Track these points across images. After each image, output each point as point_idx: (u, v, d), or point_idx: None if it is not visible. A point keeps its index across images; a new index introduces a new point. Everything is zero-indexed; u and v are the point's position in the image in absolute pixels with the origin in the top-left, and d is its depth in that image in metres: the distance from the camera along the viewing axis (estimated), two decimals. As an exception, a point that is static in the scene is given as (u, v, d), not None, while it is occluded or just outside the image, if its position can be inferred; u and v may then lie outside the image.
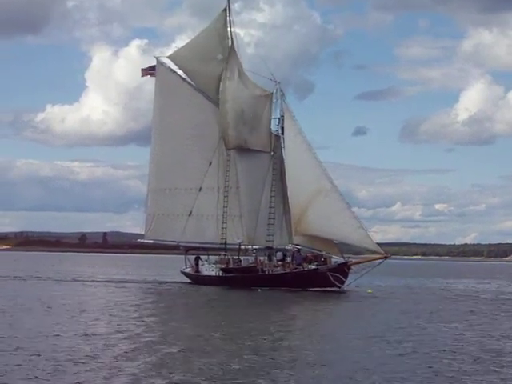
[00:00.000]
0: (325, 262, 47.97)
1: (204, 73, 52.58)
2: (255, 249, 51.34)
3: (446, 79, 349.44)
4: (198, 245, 53.34)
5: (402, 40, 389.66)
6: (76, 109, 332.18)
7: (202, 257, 53.11)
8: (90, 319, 27.96)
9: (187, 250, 54.22)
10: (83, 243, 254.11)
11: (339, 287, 46.92)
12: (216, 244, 52.03)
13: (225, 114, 51.57)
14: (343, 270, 47.09)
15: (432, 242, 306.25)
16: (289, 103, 51.84)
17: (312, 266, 47.80)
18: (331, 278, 46.63)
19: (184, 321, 28.11)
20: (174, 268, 66.43)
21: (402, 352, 20.79)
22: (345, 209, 48.69)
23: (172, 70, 54.01)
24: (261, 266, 49.37)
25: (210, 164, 52.66)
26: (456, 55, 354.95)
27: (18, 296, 39.41)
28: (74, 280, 57.39)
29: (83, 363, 18.01)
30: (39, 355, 19.03)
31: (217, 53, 52.53)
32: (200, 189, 52.80)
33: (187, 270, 53.77)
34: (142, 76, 55.43)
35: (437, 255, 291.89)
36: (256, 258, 50.55)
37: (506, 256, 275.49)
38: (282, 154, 51.27)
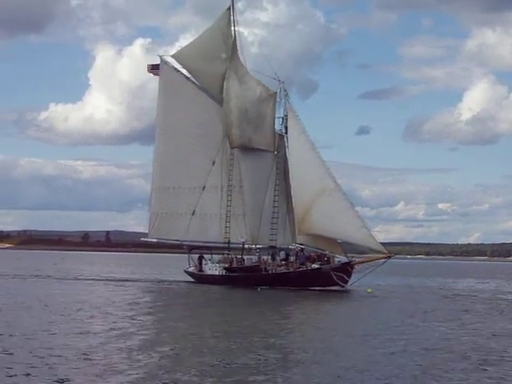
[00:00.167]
0: (328, 262, 47.96)
1: (208, 72, 52.58)
2: (258, 248, 51.38)
3: (450, 78, 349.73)
4: (201, 244, 53.32)
5: (405, 39, 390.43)
6: (79, 108, 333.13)
7: (205, 256, 53.12)
8: (86, 317, 28.02)
9: (191, 248, 54.25)
10: (86, 242, 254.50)
11: (343, 286, 46.92)
12: (219, 243, 52.02)
13: (229, 112, 51.56)
14: (347, 269, 47.08)
15: (435, 242, 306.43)
16: (292, 102, 51.97)
17: (315, 266, 47.80)
18: (334, 278, 46.61)
19: (181, 320, 28.11)
20: (177, 267, 66.44)
21: (394, 350, 20.93)
22: (348, 208, 48.67)
23: (176, 68, 54.02)
24: (264, 266, 49.36)
25: (214, 163, 52.67)
26: (459, 55, 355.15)
27: (17, 294, 39.47)
28: (75, 278, 57.43)
29: (76, 361, 18.05)
30: (33, 353, 19.10)
31: (220, 52, 52.53)
32: (203, 188, 52.81)
33: (191, 269, 53.78)
34: (148, 71, 55.43)
35: (440, 255, 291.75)
36: (259, 257, 50.57)
37: (510, 256, 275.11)
38: (285, 153, 51.27)
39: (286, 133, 50.87)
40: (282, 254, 50.10)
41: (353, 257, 49.45)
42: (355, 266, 47.45)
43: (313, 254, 48.81)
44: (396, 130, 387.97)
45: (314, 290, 45.83)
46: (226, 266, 50.85)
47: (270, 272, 48.89)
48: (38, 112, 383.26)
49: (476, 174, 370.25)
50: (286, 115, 50.99)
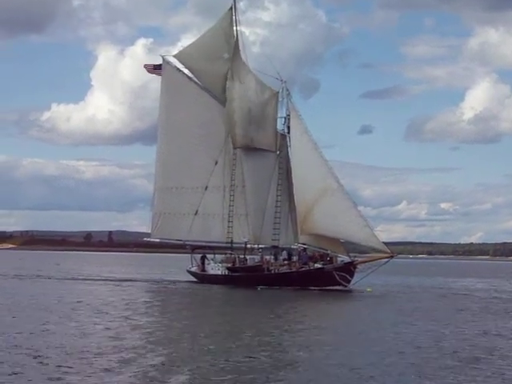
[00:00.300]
0: (331, 261, 47.96)
1: (210, 72, 52.63)
2: (261, 248, 51.39)
3: (452, 78, 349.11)
4: (204, 244, 53.37)
5: (407, 39, 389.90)
6: (81, 108, 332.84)
7: (208, 256, 53.17)
8: (85, 317, 28.08)
9: (193, 248, 54.28)
10: (89, 242, 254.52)
11: (345, 286, 46.94)
12: (222, 243, 52.08)
13: (231, 113, 51.59)
14: (349, 268, 47.11)
15: (437, 241, 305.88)
16: (295, 102, 51.99)
17: (318, 265, 47.82)
18: (337, 277, 46.65)
19: (182, 319, 28.15)
20: (179, 267, 66.48)
21: (388, 349, 21.15)
22: (351, 208, 48.67)
23: (178, 68, 54.07)
24: (267, 265, 49.38)
25: (216, 163, 52.70)
26: (462, 54, 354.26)
27: (15, 294, 39.53)
28: (76, 279, 57.44)
29: (75, 361, 18.09)
30: (27, 352, 19.17)
31: (223, 52, 52.57)
32: (206, 188, 52.86)
33: (193, 269, 53.81)
34: (148, 71, 55.56)
35: (442, 254, 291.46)
36: (262, 257, 50.58)
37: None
38: (287, 152, 51.29)
39: (289, 132, 50.90)
40: (284, 254, 50.14)
41: (355, 256, 49.49)
42: (358, 266, 47.48)
43: (315, 254, 48.83)
44: (398, 130, 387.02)
45: (315, 289, 45.80)
46: (229, 265, 50.89)
47: (272, 272, 48.91)
48: (40, 112, 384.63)
49: (478, 174, 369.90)
50: (289, 115, 51.02)
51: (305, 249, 48.88)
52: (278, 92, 51.79)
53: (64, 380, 16.02)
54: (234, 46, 52.42)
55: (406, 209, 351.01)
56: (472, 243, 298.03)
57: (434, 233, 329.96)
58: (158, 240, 56.20)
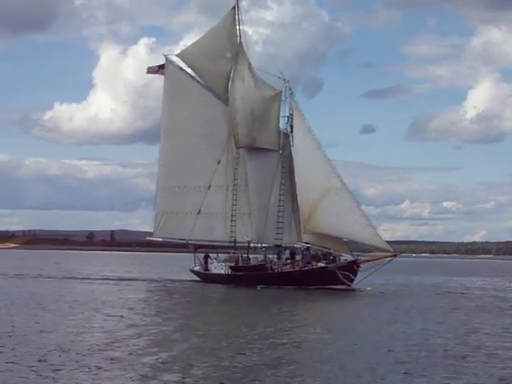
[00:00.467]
0: (334, 260, 47.94)
1: (213, 71, 52.58)
2: (264, 247, 51.37)
3: (454, 77, 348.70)
4: (207, 243, 53.33)
5: (410, 38, 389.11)
6: (84, 107, 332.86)
7: (211, 255, 53.14)
8: (78, 316, 28.10)
9: (196, 248, 54.28)
10: (91, 241, 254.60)
11: (348, 285, 46.89)
12: (225, 242, 52.05)
13: (234, 112, 51.52)
14: (352, 268, 47.06)
15: (440, 240, 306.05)
16: (298, 101, 51.90)
17: (321, 264, 47.78)
18: (340, 276, 46.59)
19: (182, 319, 28.15)
20: (181, 266, 66.45)
21: (372, 347, 21.39)
22: (354, 207, 48.64)
23: (181, 68, 54.05)
24: (270, 264, 49.35)
25: (219, 162, 52.66)
26: (464, 53, 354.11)
27: (13, 293, 39.55)
28: (76, 278, 57.42)
29: (74, 360, 18.08)
30: (22, 351, 19.25)
31: (226, 51, 52.53)
32: (209, 187, 52.82)
33: (196, 268, 53.79)
34: (148, 73, 55.59)
35: (445, 253, 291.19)
36: (265, 256, 50.54)
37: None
38: (290, 152, 51.21)
39: (292, 132, 50.83)
40: (287, 253, 50.10)
41: (358, 255, 49.43)
42: (361, 265, 47.43)
43: (318, 253, 48.79)
44: (400, 129, 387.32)
45: (317, 288, 45.71)
46: (232, 264, 50.86)
47: (275, 271, 48.87)
48: (43, 112, 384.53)
49: (481, 173, 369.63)
50: (292, 114, 50.96)
51: (308, 248, 48.84)
52: (281, 91, 51.74)
53: (60, 379, 16.01)
54: (236, 46, 52.40)
55: (408, 208, 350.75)
56: (475, 242, 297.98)
57: (437, 232, 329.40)
58: (160, 239, 56.18)
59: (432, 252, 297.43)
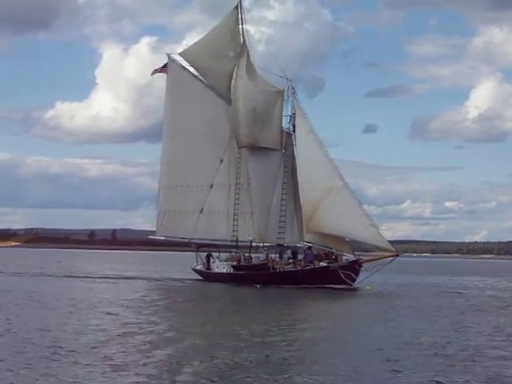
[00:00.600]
0: (336, 260, 47.95)
1: (215, 70, 52.61)
2: (266, 246, 51.38)
3: (457, 77, 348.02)
4: (209, 242, 53.37)
5: (412, 37, 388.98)
6: (86, 106, 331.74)
7: (213, 254, 53.17)
8: (77, 314, 28.16)
9: (198, 246, 54.29)
10: (92, 240, 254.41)
11: (350, 285, 46.90)
12: (227, 241, 52.08)
13: (236, 112, 51.52)
14: (354, 267, 47.08)
15: (441, 240, 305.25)
16: (300, 100, 51.91)
17: (323, 264, 47.80)
18: (342, 276, 46.61)
19: (183, 318, 28.19)
20: (183, 265, 66.46)
21: (363, 346, 21.52)
22: (356, 206, 48.64)
23: (183, 66, 54.10)
24: (272, 264, 49.38)
25: (222, 161, 52.69)
26: (466, 53, 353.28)
27: (13, 291, 39.59)
28: (76, 276, 57.41)
29: (73, 360, 18.04)
30: (18, 349, 19.29)
31: (228, 50, 52.56)
32: (211, 186, 52.85)
33: (199, 267, 53.81)
34: (152, 75, 55.65)
35: (446, 253, 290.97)
36: (267, 256, 50.56)
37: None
38: (293, 151, 51.23)
39: (294, 131, 50.83)
40: (289, 252, 50.12)
41: (360, 255, 49.42)
42: (363, 265, 47.43)
43: (320, 252, 48.80)
44: (402, 128, 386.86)
45: (318, 287, 45.76)
46: (234, 264, 50.90)
47: (277, 270, 48.89)
48: (45, 110, 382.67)
49: (483, 172, 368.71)
50: (294, 113, 50.97)
51: (310, 247, 48.88)
52: (284, 90, 51.74)
53: (55, 376, 16.05)
54: (239, 45, 52.41)
55: (410, 207, 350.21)
56: (476, 242, 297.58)
57: (439, 231, 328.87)
58: (162, 238, 56.22)
59: (433, 252, 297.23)
